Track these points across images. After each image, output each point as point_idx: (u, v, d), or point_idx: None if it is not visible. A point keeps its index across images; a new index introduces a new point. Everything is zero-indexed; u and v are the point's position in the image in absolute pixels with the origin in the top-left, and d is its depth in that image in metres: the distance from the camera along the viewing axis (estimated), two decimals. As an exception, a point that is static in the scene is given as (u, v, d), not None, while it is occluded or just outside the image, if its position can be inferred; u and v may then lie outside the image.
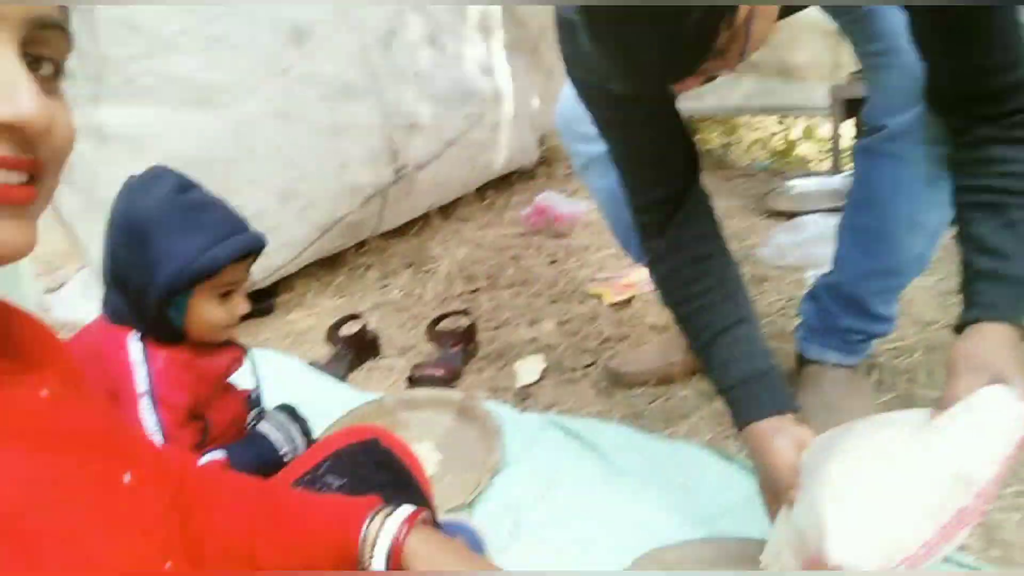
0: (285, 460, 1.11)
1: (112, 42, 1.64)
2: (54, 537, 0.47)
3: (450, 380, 1.66)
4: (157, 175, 1.06)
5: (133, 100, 1.71)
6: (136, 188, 1.05)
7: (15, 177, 0.44)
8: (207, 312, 1.06)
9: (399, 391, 1.63)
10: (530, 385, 1.59)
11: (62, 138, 0.48)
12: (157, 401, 1.02)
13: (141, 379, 1.02)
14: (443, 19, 2.42)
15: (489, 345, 1.78)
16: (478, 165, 2.71)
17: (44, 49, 0.47)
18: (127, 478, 0.57)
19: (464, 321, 1.83)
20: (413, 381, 1.67)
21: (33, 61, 0.46)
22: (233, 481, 0.80)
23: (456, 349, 1.74)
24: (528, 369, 1.63)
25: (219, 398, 1.16)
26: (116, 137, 1.71)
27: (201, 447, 1.08)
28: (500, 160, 2.80)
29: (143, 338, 1.05)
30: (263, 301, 2.18)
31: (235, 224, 1.08)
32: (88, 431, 0.56)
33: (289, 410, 1.21)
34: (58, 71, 0.49)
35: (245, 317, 1.14)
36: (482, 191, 2.84)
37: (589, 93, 1.07)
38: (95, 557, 0.50)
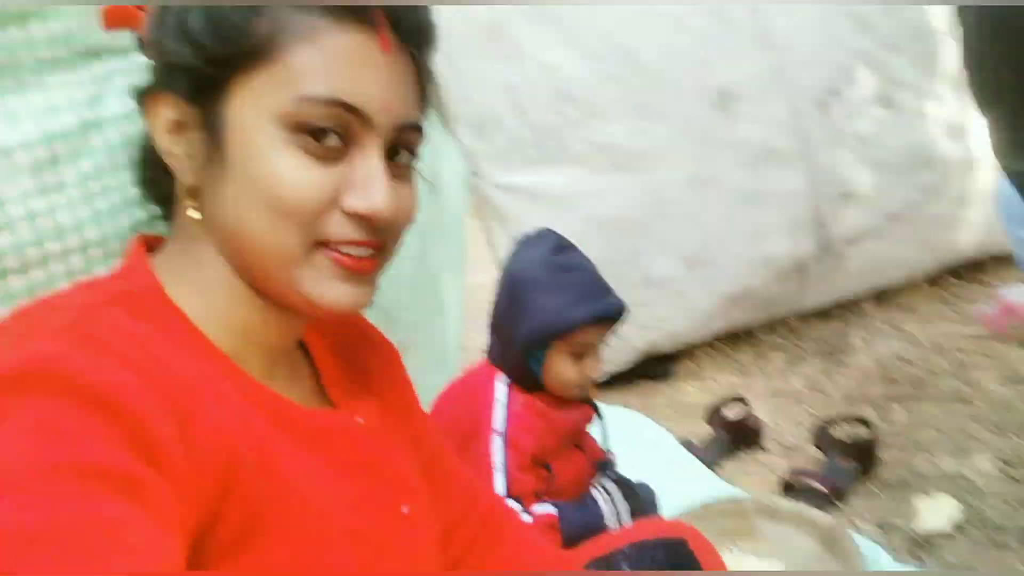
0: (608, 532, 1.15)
1: (551, 112, 1.92)
2: (334, 554, 0.57)
3: (830, 498, 1.48)
4: (541, 236, 1.22)
5: (562, 164, 1.98)
6: (522, 246, 1.22)
7: (363, 251, 0.57)
8: (561, 368, 1.17)
9: (767, 494, 1.52)
10: (934, 534, 1.32)
11: (404, 219, 0.61)
12: (507, 441, 1.15)
13: (498, 417, 1.17)
14: (902, 74, 2.20)
15: (891, 468, 1.54)
16: (933, 245, 2.37)
17: (403, 144, 0.59)
18: (405, 509, 0.66)
19: (864, 432, 1.62)
20: (787, 487, 1.55)
21: (392, 151, 0.58)
22: (533, 544, 0.87)
23: (848, 463, 1.55)
24: (936, 512, 1.36)
25: (567, 452, 1.25)
26: (544, 196, 1.98)
27: (542, 495, 1.18)
28: (965, 241, 2.40)
29: (510, 382, 1.21)
30: (661, 366, 2.25)
31: (596, 289, 1.17)
32: (383, 461, 0.67)
33: (626, 484, 1.24)
34: (413, 157, 0.61)
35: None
36: (937, 277, 2.47)
37: (1011, 169, 0.86)
38: None
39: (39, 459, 0.40)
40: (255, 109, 0.53)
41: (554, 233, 1.21)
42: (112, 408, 0.43)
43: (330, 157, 0.54)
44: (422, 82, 0.60)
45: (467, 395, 1.22)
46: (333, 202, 0.54)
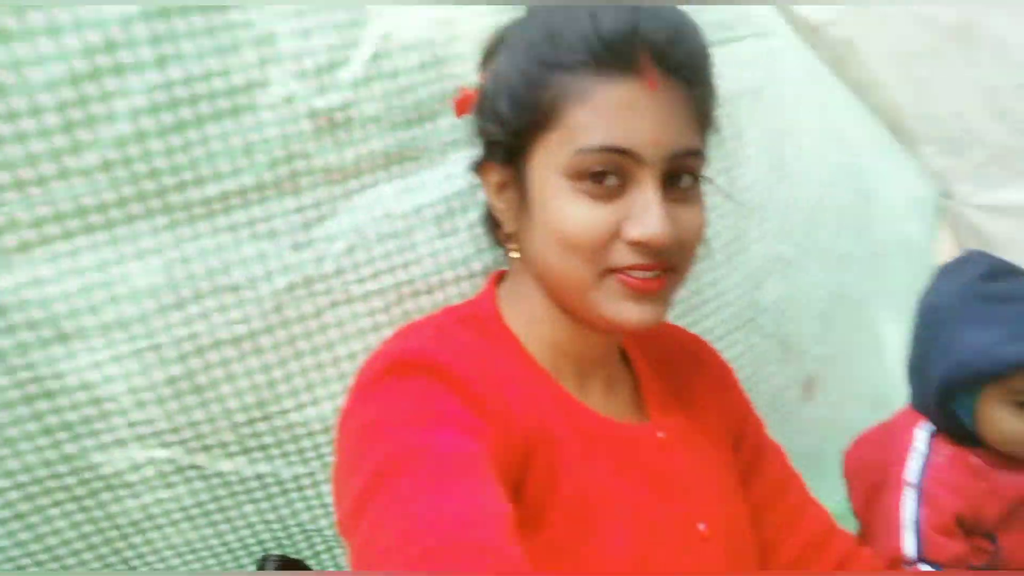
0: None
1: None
2: (616, 554, 0.62)
3: None
4: (969, 259, 1.04)
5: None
6: (945, 272, 1.06)
7: (648, 274, 0.63)
8: (998, 419, 0.97)
9: None
10: None
11: (690, 240, 0.65)
12: (922, 495, 1.00)
13: (913, 468, 1.03)
14: None
15: None
16: None
17: (682, 169, 0.63)
18: (702, 527, 0.68)
19: None
20: None
21: (674, 178, 0.63)
22: None
23: None
24: None
25: (1022, 524, 1.02)
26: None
27: (984, 569, 0.99)
28: None
29: (935, 431, 1.05)
30: None
31: (1047, 325, 0.94)
32: (681, 477, 0.70)
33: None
34: (694, 180, 0.65)
35: None
36: None
37: None
38: None
39: (416, 410, 0.57)
40: (546, 166, 0.63)
41: (987, 256, 1.02)
42: (459, 383, 0.59)
43: (610, 196, 0.61)
44: (699, 106, 0.64)
45: (883, 441, 1.09)
46: (615, 234, 0.61)
